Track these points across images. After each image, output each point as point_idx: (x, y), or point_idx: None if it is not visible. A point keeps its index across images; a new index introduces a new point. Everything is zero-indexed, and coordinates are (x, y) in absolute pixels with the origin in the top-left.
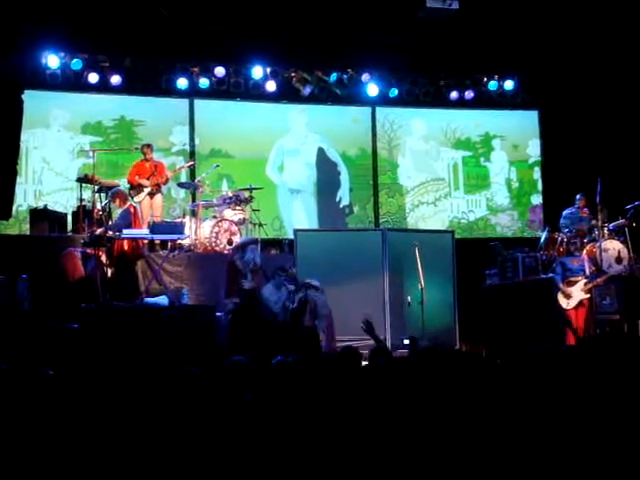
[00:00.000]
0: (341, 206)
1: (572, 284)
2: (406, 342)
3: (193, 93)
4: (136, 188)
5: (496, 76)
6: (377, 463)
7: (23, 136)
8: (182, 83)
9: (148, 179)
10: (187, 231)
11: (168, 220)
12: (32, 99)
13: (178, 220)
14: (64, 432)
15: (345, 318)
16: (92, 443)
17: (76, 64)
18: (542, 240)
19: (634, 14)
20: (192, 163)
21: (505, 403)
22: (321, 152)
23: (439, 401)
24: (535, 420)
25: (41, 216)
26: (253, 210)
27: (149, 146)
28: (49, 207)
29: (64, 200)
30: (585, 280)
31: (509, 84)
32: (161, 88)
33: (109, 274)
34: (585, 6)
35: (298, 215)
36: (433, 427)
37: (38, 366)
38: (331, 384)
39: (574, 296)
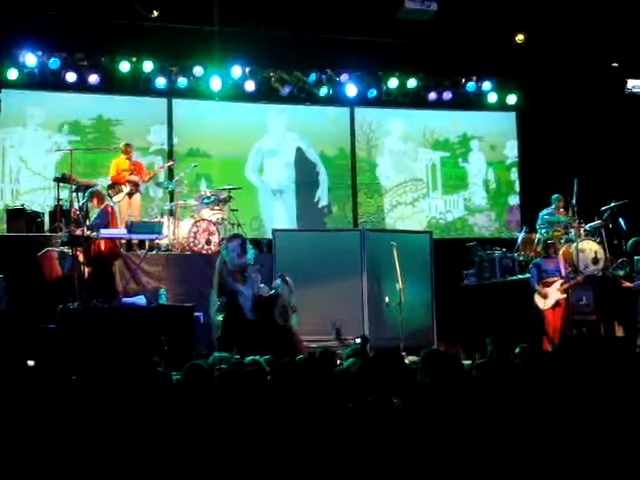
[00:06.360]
0: (320, 206)
1: (548, 285)
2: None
3: (171, 92)
4: (115, 188)
5: (474, 77)
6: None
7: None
8: (160, 82)
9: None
10: (165, 231)
11: (146, 220)
12: (9, 97)
13: (156, 220)
14: (43, 431)
15: (323, 318)
16: (70, 442)
17: (54, 63)
18: (519, 241)
19: (610, 15)
20: (172, 163)
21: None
22: (300, 152)
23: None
24: (511, 422)
25: (18, 215)
26: (231, 210)
27: (130, 145)
28: (26, 206)
29: (41, 199)
30: (561, 280)
31: (487, 85)
32: (139, 87)
33: (86, 274)
34: (562, 7)
35: (278, 215)
36: (410, 426)
37: (17, 366)
38: (307, 385)
39: (550, 296)
